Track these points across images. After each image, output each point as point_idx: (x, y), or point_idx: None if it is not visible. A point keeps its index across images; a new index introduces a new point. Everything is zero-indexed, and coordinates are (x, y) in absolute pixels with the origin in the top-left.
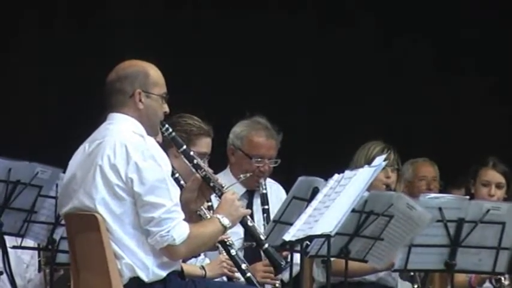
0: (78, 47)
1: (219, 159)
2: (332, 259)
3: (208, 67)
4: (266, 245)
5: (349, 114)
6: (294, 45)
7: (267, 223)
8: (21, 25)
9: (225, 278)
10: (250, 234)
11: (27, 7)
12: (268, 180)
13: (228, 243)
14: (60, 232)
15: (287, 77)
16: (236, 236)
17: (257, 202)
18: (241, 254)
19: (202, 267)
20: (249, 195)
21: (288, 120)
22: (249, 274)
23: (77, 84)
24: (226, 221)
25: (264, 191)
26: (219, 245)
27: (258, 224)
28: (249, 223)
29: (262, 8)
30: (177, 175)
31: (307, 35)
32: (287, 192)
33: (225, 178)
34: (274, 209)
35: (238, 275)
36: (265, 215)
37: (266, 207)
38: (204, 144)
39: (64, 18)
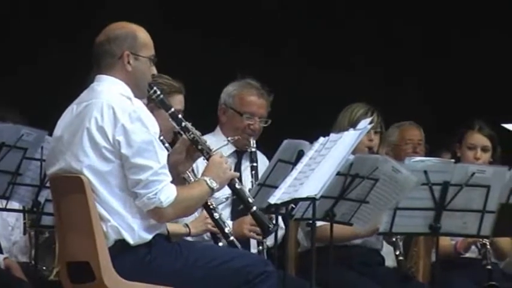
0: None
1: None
2: (317, 224)
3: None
4: (254, 208)
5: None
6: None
7: (255, 180)
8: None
9: (209, 234)
10: (238, 197)
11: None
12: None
13: (211, 206)
14: (45, 194)
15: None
16: (223, 190)
17: (246, 162)
18: (224, 217)
19: (186, 225)
20: (238, 154)
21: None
22: (232, 238)
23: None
24: (213, 183)
25: (253, 149)
26: (204, 211)
27: (246, 181)
28: (237, 186)
29: None
30: (161, 137)
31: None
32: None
33: (214, 139)
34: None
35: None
36: (253, 172)
37: (255, 164)
38: (177, 102)
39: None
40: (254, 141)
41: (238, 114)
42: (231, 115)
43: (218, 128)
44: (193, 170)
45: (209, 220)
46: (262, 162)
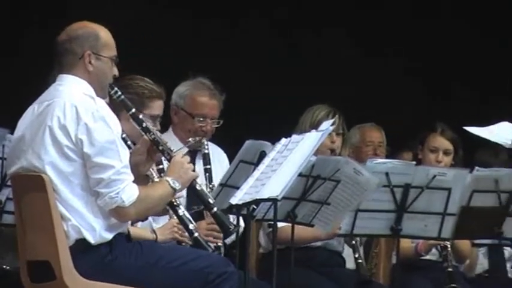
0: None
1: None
2: (279, 225)
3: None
4: (215, 209)
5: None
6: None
7: (210, 182)
8: None
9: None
10: (198, 198)
11: None
12: (211, 144)
13: (175, 203)
14: (6, 193)
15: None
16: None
17: (199, 163)
18: (188, 214)
19: (153, 231)
20: (191, 155)
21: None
22: (196, 234)
23: None
24: (175, 184)
25: (206, 151)
26: (168, 208)
27: (201, 184)
28: (198, 187)
29: None
30: (124, 135)
31: None
32: (229, 157)
33: (167, 139)
34: (216, 171)
35: (188, 240)
36: (207, 174)
37: (208, 166)
38: (157, 107)
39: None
40: (207, 143)
41: (189, 116)
42: (183, 117)
43: (171, 129)
44: (160, 171)
45: (176, 229)
46: (218, 159)
